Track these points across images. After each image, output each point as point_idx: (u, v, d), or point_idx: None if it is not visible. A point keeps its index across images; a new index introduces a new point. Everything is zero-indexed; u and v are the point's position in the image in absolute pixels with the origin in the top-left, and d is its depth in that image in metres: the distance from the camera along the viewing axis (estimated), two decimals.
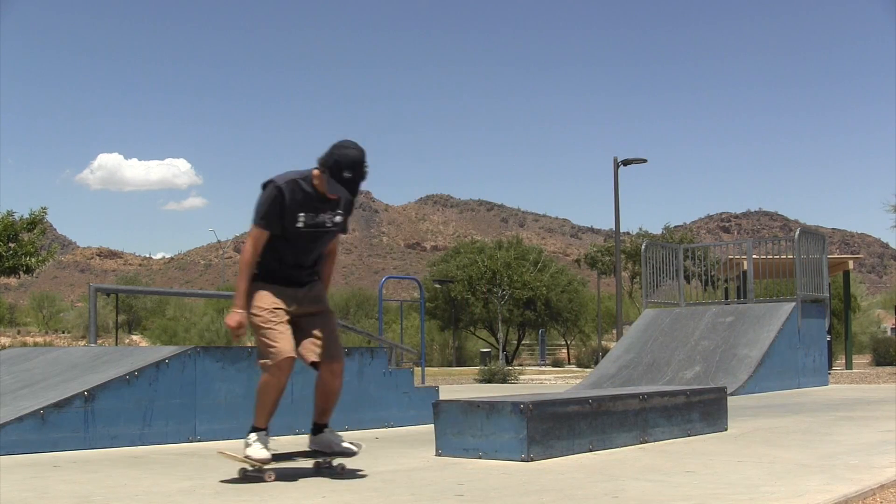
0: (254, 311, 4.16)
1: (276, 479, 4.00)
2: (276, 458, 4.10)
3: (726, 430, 6.34)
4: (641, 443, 5.48)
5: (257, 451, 4.04)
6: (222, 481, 4.12)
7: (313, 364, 4.20)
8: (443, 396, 6.34)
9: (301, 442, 6.07)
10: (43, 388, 5.77)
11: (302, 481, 4.11)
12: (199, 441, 5.91)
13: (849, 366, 23.64)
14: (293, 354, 4.10)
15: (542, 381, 20.24)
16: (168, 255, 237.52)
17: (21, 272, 22.86)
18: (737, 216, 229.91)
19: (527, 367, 34.07)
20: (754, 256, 15.00)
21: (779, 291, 16.21)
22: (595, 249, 47.62)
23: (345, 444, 4.28)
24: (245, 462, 4.04)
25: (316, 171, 4.17)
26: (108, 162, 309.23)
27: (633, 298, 43.66)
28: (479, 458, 4.81)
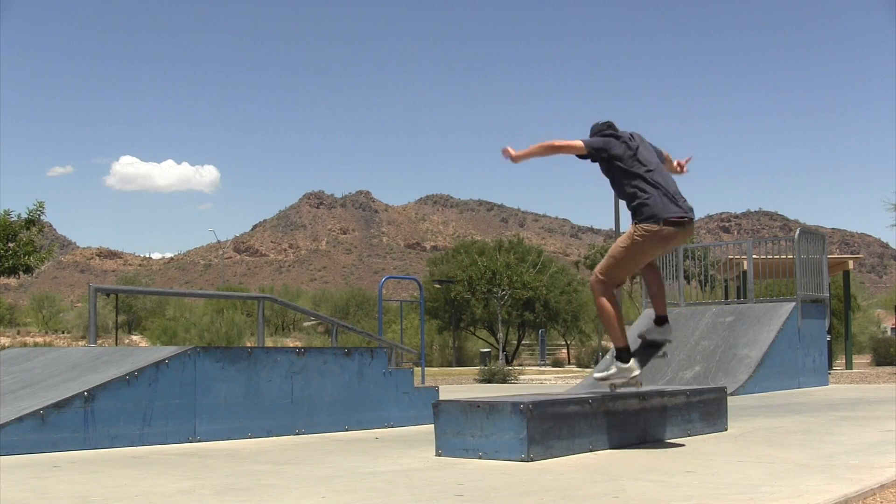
0: None
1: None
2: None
3: (726, 430, 6.34)
4: (641, 443, 5.48)
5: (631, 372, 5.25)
6: (221, 481, 4.12)
7: None
8: (443, 396, 6.34)
9: (301, 441, 6.08)
10: (43, 389, 5.77)
11: (305, 481, 4.11)
12: (199, 441, 5.91)
13: (849, 366, 23.64)
14: None
15: (542, 381, 20.24)
16: (168, 255, 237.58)
17: (21, 272, 22.87)
18: (737, 216, 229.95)
19: (527, 367, 34.08)
20: (754, 256, 15.00)
21: (779, 291, 16.21)
22: (594, 251, 47.57)
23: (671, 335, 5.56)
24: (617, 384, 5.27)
25: None
26: (125, 165, 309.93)
27: (633, 298, 43.65)
28: (479, 458, 4.81)
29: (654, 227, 5.13)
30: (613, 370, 5.22)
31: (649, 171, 5.26)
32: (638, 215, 5.21)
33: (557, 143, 5.35)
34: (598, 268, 5.31)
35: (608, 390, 5.48)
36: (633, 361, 5.19)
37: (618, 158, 5.30)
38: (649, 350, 5.44)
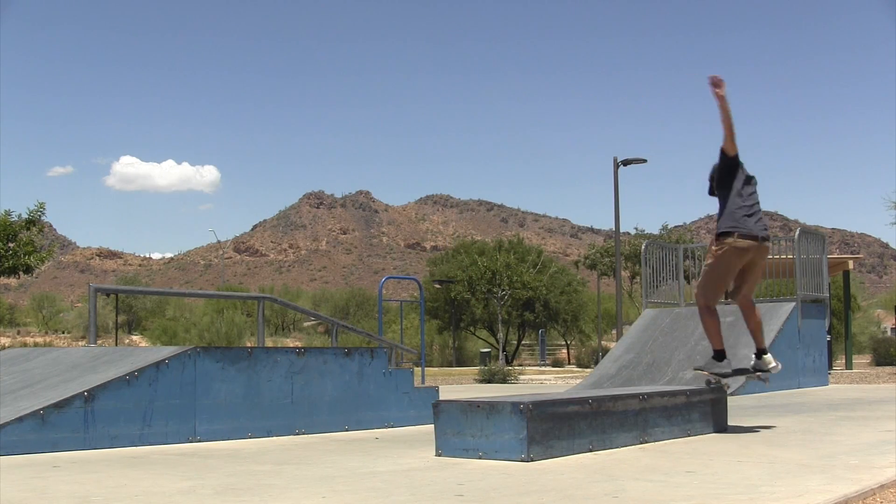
0: None
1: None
2: (735, 372, 6.40)
3: (726, 430, 6.34)
4: (641, 443, 5.48)
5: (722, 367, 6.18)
6: (222, 481, 4.12)
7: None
8: (443, 396, 6.34)
9: (301, 441, 6.09)
10: (43, 389, 5.77)
11: (314, 479, 4.11)
12: (199, 441, 5.91)
13: (849, 366, 23.63)
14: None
15: (542, 381, 20.24)
16: (168, 255, 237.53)
17: (21, 272, 22.87)
18: None
19: (527, 368, 34.09)
20: None
21: (779, 291, 16.20)
22: (594, 251, 47.50)
23: (771, 365, 6.38)
24: (711, 376, 6.20)
25: None
26: (126, 165, 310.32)
27: (633, 298, 43.65)
28: (479, 458, 4.81)
29: (729, 239, 5.95)
30: (710, 365, 6.23)
31: (739, 192, 6.08)
32: (718, 228, 6.05)
33: (733, 126, 6.05)
34: (696, 288, 6.40)
35: (610, 392, 5.49)
36: (725, 361, 6.18)
37: (731, 176, 6.13)
38: (744, 371, 6.62)
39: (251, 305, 40.97)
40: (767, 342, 12.23)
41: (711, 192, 6.27)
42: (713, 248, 6.10)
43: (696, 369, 6.47)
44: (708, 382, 6.17)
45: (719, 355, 6.23)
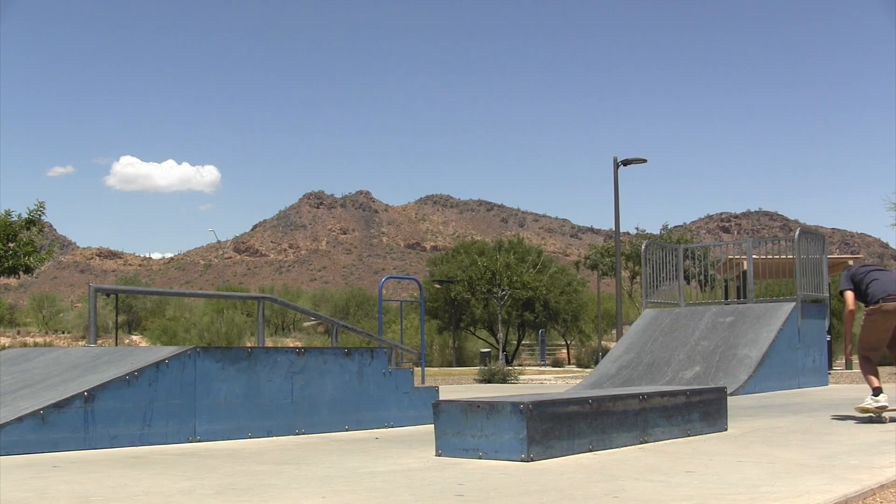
0: None
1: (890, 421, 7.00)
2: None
3: (726, 430, 6.34)
4: (641, 443, 5.48)
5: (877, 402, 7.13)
6: (221, 481, 4.12)
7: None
8: (443, 396, 6.34)
9: (301, 441, 6.08)
10: (43, 389, 5.77)
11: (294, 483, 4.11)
12: (199, 441, 5.91)
13: (849, 366, 23.62)
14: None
15: (542, 381, 20.24)
16: (168, 255, 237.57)
17: (21, 272, 22.87)
18: (737, 216, 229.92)
19: (527, 368, 34.08)
20: (754, 256, 15.00)
21: (779, 291, 16.20)
22: (594, 251, 47.45)
23: None
24: (872, 412, 7.11)
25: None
26: (127, 165, 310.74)
27: (633, 298, 43.62)
28: (479, 458, 4.81)
29: (875, 306, 7.25)
30: (870, 402, 7.18)
31: (875, 278, 7.49)
32: (869, 300, 7.37)
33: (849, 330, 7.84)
34: (859, 340, 7.57)
35: (610, 392, 5.47)
36: (882, 396, 7.17)
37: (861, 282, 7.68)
38: None
39: (251, 305, 40.99)
40: (766, 343, 12.33)
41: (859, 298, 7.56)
42: (865, 314, 7.40)
43: (856, 409, 7.30)
44: (870, 416, 7.18)
45: (877, 391, 7.28)
